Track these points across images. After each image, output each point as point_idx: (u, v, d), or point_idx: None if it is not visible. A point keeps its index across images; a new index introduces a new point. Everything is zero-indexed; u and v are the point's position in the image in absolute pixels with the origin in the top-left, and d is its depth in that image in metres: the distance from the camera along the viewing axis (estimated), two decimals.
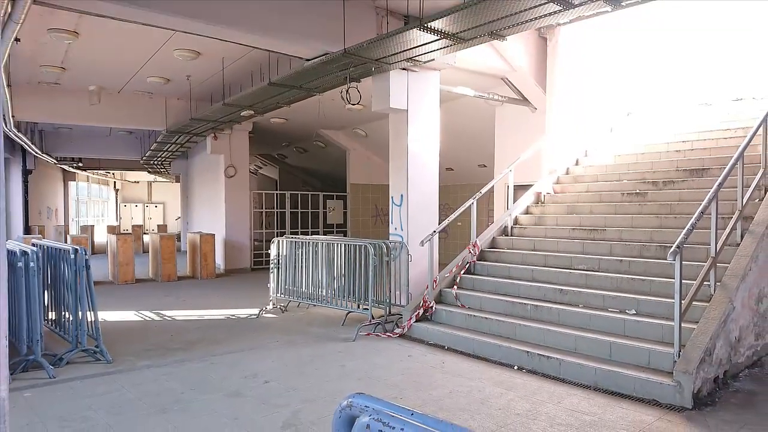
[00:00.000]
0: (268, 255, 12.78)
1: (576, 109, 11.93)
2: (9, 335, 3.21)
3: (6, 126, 13.39)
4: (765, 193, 7.85)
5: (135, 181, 41.99)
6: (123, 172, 35.91)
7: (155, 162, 24.58)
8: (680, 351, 5.84)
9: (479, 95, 11.91)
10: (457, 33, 7.77)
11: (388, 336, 8.72)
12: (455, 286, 9.27)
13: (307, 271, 10.62)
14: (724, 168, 7.09)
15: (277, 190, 25.76)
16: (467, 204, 9.85)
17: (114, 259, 15.57)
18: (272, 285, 11.24)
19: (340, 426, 1.87)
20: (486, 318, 8.15)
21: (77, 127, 20.12)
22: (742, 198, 7.36)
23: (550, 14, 7.12)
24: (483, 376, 6.73)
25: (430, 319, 8.95)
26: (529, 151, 11.28)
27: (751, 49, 12.40)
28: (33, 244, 7.96)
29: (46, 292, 8.08)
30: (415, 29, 7.63)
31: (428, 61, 9.22)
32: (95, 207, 39.11)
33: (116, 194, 43.01)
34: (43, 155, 21.09)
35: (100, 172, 32.55)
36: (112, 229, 27.36)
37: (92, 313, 7.48)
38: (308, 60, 9.53)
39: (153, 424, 5.27)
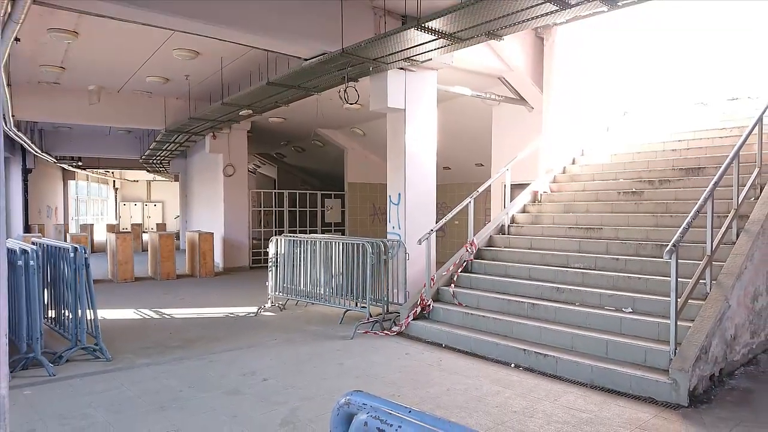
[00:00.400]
0: (266, 253, 12.81)
1: (573, 109, 11.96)
2: (9, 333, 3.25)
3: (6, 125, 13.41)
4: (760, 192, 7.87)
5: (134, 180, 41.98)
6: (122, 171, 35.86)
7: (154, 161, 24.58)
8: (676, 349, 5.87)
9: (476, 95, 11.95)
10: (455, 33, 7.81)
11: (386, 334, 8.76)
12: (453, 285, 9.31)
13: (306, 269, 10.66)
14: (720, 167, 7.12)
15: (275, 189, 25.77)
16: (464, 203, 9.88)
17: (113, 258, 15.60)
18: (271, 283, 11.27)
19: (338, 423, 1.89)
20: (483, 316, 8.19)
21: (77, 127, 20.15)
22: (738, 197, 7.39)
23: (547, 14, 7.17)
24: (480, 373, 6.77)
25: (427, 317, 8.99)
26: (526, 150, 11.33)
27: (746, 48, 12.44)
28: (33, 243, 7.99)
29: (45, 290, 8.11)
30: (412, 29, 7.67)
31: (426, 60, 9.27)
32: (95, 206, 39.07)
33: (115, 193, 42.97)
34: (43, 154, 21.10)
35: (99, 171, 32.53)
36: (111, 228, 27.32)
37: (92, 311, 7.51)
38: (306, 60, 9.56)
39: (152, 421, 5.30)
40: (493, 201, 13.48)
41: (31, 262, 6.84)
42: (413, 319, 8.83)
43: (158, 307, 11.41)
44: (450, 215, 9.74)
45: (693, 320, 6.18)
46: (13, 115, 13.81)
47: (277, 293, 11.19)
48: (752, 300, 6.90)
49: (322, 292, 10.36)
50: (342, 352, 7.76)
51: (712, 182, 6.70)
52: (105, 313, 10.19)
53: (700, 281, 6.48)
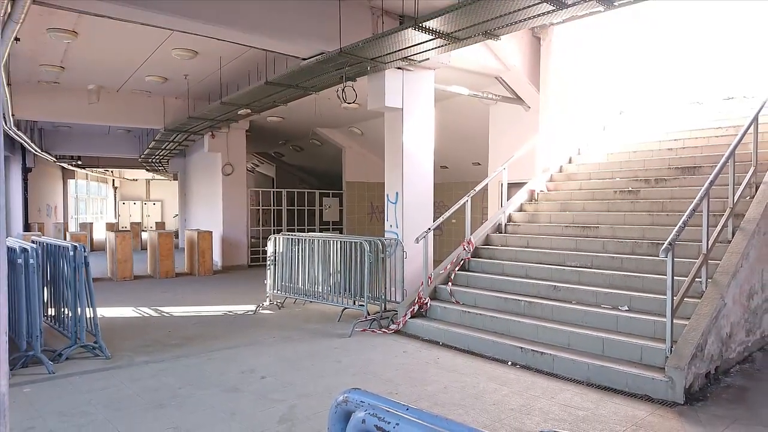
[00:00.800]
0: (264, 252, 12.84)
1: (569, 108, 12.00)
2: (9, 331, 3.28)
3: (6, 124, 13.44)
4: (756, 191, 7.92)
5: (133, 179, 41.99)
6: (121, 169, 35.93)
7: (153, 160, 24.63)
8: (672, 347, 5.89)
9: (473, 94, 11.97)
10: (452, 32, 7.85)
11: (384, 332, 8.80)
12: (450, 283, 9.34)
13: (304, 267, 10.70)
14: (716, 166, 7.14)
15: (273, 187, 25.78)
16: (462, 201, 9.91)
17: (113, 256, 15.62)
18: (269, 281, 11.31)
19: (336, 421, 1.91)
20: (480, 314, 8.22)
21: (76, 126, 20.19)
22: (734, 195, 7.42)
23: (543, 14, 7.21)
24: (477, 371, 6.80)
25: (425, 315, 9.02)
26: (523, 149, 11.37)
27: (742, 48, 12.49)
28: (33, 242, 8.03)
29: (45, 288, 8.13)
30: (410, 29, 7.71)
31: (423, 60, 9.31)
32: (94, 204, 39.10)
33: (115, 192, 42.97)
34: (43, 153, 21.15)
35: (98, 170, 32.56)
36: (110, 227, 27.32)
37: (91, 309, 7.53)
38: (304, 59, 9.60)
39: (151, 418, 5.34)
40: (490, 200, 13.52)
41: (31, 261, 6.87)
42: (411, 317, 8.86)
43: (157, 305, 11.44)
44: (447, 214, 9.79)
45: (689, 318, 6.21)
46: (13, 115, 13.85)
47: (275, 291, 11.23)
48: (748, 298, 6.94)
49: (320, 290, 10.40)
50: (340, 350, 7.79)
51: (708, 181, 6.72)
52: (104, 311, 10.22)
53: (696, 279, 6.52)
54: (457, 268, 9.65)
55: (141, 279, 15.55)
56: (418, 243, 9.31)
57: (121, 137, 23.58)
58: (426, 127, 10.68)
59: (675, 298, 6.03)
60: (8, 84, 10.78)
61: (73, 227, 30.39)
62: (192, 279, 15.67)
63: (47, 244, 8.29)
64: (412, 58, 9.04)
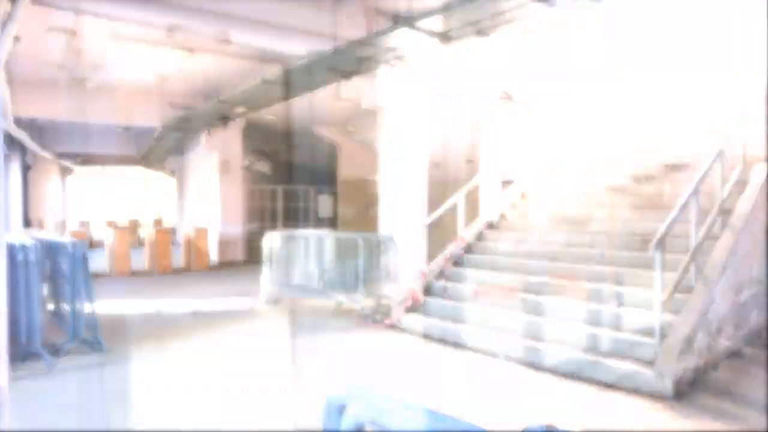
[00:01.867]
0: (260, 248, 12.90)
1: (563, 107, 12.06)
2: (8, 326, 3.32)
3: (6, 122, 13.48)
4: (744, 188, 7.99)
5: (132, 177, 41.84)
6: (120, 167, 35.82)
7: (151, 158, 24.62)
8: (661, 341, 5.97)
9: (468, 93, 12.00)
10: (445, 32, 7.92)
11: (378, 327, 8.88)
12: (443, 278, 9.40)
13: (299, 263, 10.76)
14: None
15: (269, 185, 25.79)
16: (455, 198, 10.00)
17: (111, 252, 15.69)
18: (265, 277, 11.38)
19: (331, 415, 1.99)
20: (472, 309, 8.29)
21: (75, 124, 20.17)
22: (723, 192, 7.46)
23: (534, 13, 7.27)
24: (470, 365, 6.89)
25: (418, 310, 9.06)
26: (516, 147, 11.41)
27: None
28: (32, 238, 8.08)
29: (44, 284, 8.18)
30: (404, 28, 7.78)
31: (417, 59, 9.36)
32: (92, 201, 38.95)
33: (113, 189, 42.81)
34: (42, 151, 21.14)
35: (97, 167, 32.52)
36: (109, 223, 27.32)
37: (89, 304, 7.60)
38: (300, 58, 9.66)
39: (149, 412, 5.40)
40: (483, 197, 13.55)
41: (31, 257, 6.93)
42: (405, 312, 8.92)
43: (154, 300, 11.50)
44: (441, 210, 9.86)
45: (678, 313, 6.27)
46: (12, 113, 13.87)
47: (271, 287, 11.30)
48: (736, 293, 7.01)
49: (316, 286, 10.47)
50: (335, 345, 7.87)
51: (698, 178, 6.80)
52: (102, 307, 10.24)
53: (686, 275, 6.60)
54: (450, 264, 9.72)
55: (139, 275, 15.60)
56: (411, 239, 9.37)
57: (120, 135, 23.56)
58: (420, 124, 10.74)
59: (664, 293, 6.10)
60: (8, 82, 10.81)
61: (72, 224, 30.33)
62: (189, 275, 15.73)
63: (46, 240, 8.35)
64: (406, 57, 9.11)
